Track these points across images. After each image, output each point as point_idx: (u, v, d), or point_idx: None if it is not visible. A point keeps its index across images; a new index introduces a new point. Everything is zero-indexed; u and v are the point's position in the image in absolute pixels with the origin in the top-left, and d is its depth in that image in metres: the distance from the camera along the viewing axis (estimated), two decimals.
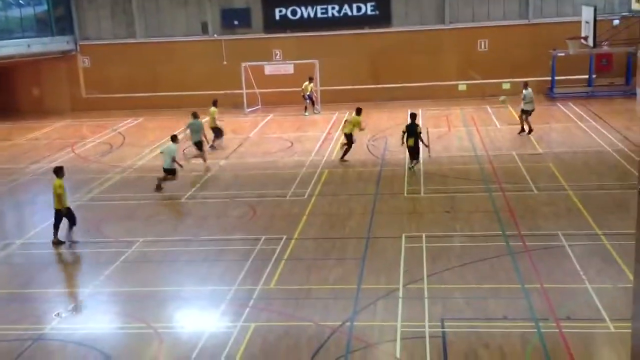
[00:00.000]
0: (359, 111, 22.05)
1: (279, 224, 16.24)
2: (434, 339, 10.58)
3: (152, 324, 11.50)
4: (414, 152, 20.17)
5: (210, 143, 23.88)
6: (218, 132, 24.65)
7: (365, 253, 14.16)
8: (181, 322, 11.85)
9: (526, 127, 24.05)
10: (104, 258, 14.61)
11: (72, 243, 15.36)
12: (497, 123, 26.42)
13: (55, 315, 12.20)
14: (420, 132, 20.16)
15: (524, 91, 24.23)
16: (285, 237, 15.22)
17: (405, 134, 20.08)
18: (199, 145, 21.98)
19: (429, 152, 21.70)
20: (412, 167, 20.21)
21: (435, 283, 12.50)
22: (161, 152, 19.75)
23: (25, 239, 16.15)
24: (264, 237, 15.27)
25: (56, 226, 15.28)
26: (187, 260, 14.41)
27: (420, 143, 20.24)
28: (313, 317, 11.45)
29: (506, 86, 29.87)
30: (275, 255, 14.22)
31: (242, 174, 21.05)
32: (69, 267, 14.48)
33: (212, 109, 24.69)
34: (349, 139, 21.78)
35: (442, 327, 10.91)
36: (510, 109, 27.30)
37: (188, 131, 22.43)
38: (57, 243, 15.24)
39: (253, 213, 17.20)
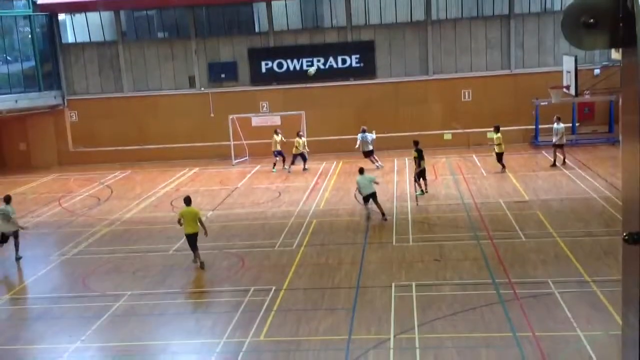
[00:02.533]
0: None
1: (268, 275, 16.15)
2: None
3: None
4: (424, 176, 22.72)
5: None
6: None
7: (355, 303, 14.08)
8: None
9: (559, 160, 26.36)
10: (91, 312, 14.42)
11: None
12: (483, 171, 26.65)
13: None
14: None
15: (555, 125, 26.28)
16: (274, 287, 15.13)
17: (418, 159, 22.37)
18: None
19: (416, 200, 22.00)
20: (424, 192, 22.66)
21: (426, 333, 12.42)
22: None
23: (11, 294, 15.93)
24: (253, 288, 15.17)
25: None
26: (176, 313, 14.26)
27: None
28: None
29: (492, 135, 30.21)
30: (265, 306, 14.11)
31: (231, 225, 21.00)
32: (56, 322, 14.26)
33: None
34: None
35: None
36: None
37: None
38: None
39: (242, 264, 17.11)
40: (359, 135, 28.54)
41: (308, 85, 32.88)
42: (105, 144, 33.93)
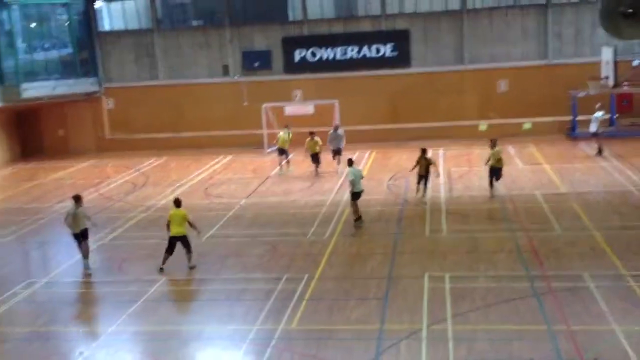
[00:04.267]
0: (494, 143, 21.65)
1: (300, 264, 16.21)
2: None
3: None
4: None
5: None
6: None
7: (387, 293, 14.07)
8: None
9: (595, 149, 26.41)
10: (126, 297, 14.65)
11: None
12: (518, 163, 26.34)
13: (78, 354, 12.21)
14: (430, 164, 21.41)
15: (596, 114, 26.58)
16: (306, 276, 15.18)
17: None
18: None
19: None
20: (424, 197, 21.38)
21: (459, 324, 12.36)
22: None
23: (49, 278, 16.24)
24: (285, 277, 15.24)
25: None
26: (209, 300, 14.41)
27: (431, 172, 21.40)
28: (335, 358, 11.35)
29: (527, 125, 29.87)
30: (297, 295, 14.17)
31: (263, 213, 21.11)
32: (92, 306, 14.50)
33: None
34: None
35: None
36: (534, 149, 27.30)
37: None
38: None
39: (274, 252, 17.20)
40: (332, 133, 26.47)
41: (341, 74, 32.81)
42: (141, 131, 34.33)
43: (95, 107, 34.89)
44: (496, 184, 21.63)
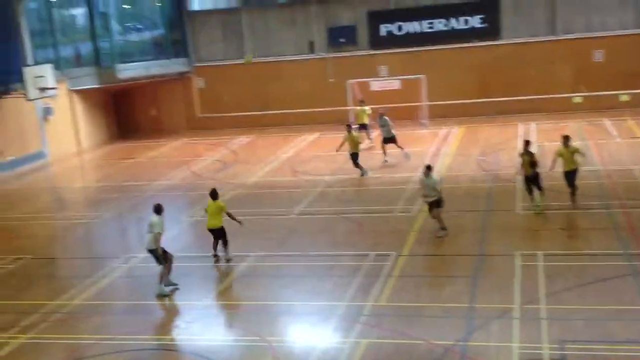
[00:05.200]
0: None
1: (387, 241, 16.18)
2: None
3: (266, 338, 11.73)
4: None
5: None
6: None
7: (477, 271, 13.86)
8: (293, 337, 12.03)
9: None
10: (217, 272, 15.07)
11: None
12: (616, 136, 25.24)
13: (174, 326, 12.69)
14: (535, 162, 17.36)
15: None
16: (394, 253, 15.15)
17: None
18: None
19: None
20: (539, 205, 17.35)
21: (553, 303, 12.05)
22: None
23: (146, 253, 16.86)
24: (372, 253, 15.27)
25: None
26: (298, 275, 14.62)
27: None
28: (424, 336, 11.31)
29: (624, 97, 28.54)
30: (385, 272, 14.17)
31: (349, 190, 21.15)
32: (187, 280, 15.01)
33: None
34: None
35: (562, 349, 10.49)
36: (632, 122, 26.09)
37: None
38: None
39: (361, 229, 17.24)
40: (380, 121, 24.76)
41: (428, 48, 32.28)
42: (230, 110, 35.00)
43: (186, 87, 35.81)
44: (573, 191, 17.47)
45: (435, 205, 16.12)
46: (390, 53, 32.99)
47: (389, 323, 11.91)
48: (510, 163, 21.55)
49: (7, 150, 28.16)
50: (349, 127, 23.46)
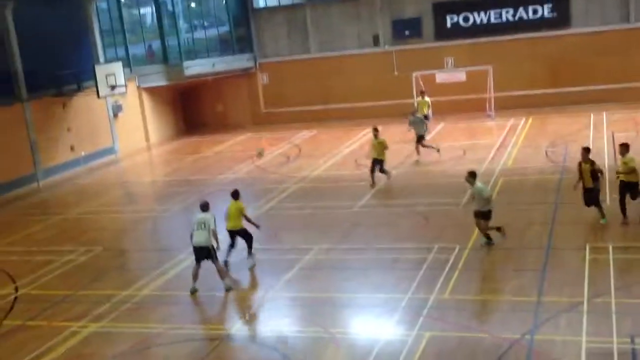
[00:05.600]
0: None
1: (451, 233, 15.96)
2: (623, 355, 9.85)
3: (329, 329, 11.76)
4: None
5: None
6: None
7: (545, 264, 13.52)
8: (356, 329, 12.02)
9: None
10: (282, 264, 15.20)
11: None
12: None
13: (240, 317, 12.87)
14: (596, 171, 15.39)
15: None
16: (458, 246, 14.93)
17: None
18: None
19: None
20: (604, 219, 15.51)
21: (623, 297, 11.64)
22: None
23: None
24: (436, 246, 15.09)
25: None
26: (361, 268, 14.59)
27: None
28: (489, 329, 11.12)
29: None
30: (449, 264, 13.99)
31: (413, 183, 20.98)
32: (250, 273, 15.18)
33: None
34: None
35: (632, 343, 10.13)
36: None
37: None
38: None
39: (425, 222, 17.07)
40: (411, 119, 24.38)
41: (495, 38, 31.64)
42: (294, 105, 35.21)
43: (251, 83, 36.23)
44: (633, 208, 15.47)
45: (482, 216, 14.61)
46: (456, 45, 32.49)
47: (452, 316, 11.76)
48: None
49: (79, 146, 29.14)
50: (375, 130, 21.90)
